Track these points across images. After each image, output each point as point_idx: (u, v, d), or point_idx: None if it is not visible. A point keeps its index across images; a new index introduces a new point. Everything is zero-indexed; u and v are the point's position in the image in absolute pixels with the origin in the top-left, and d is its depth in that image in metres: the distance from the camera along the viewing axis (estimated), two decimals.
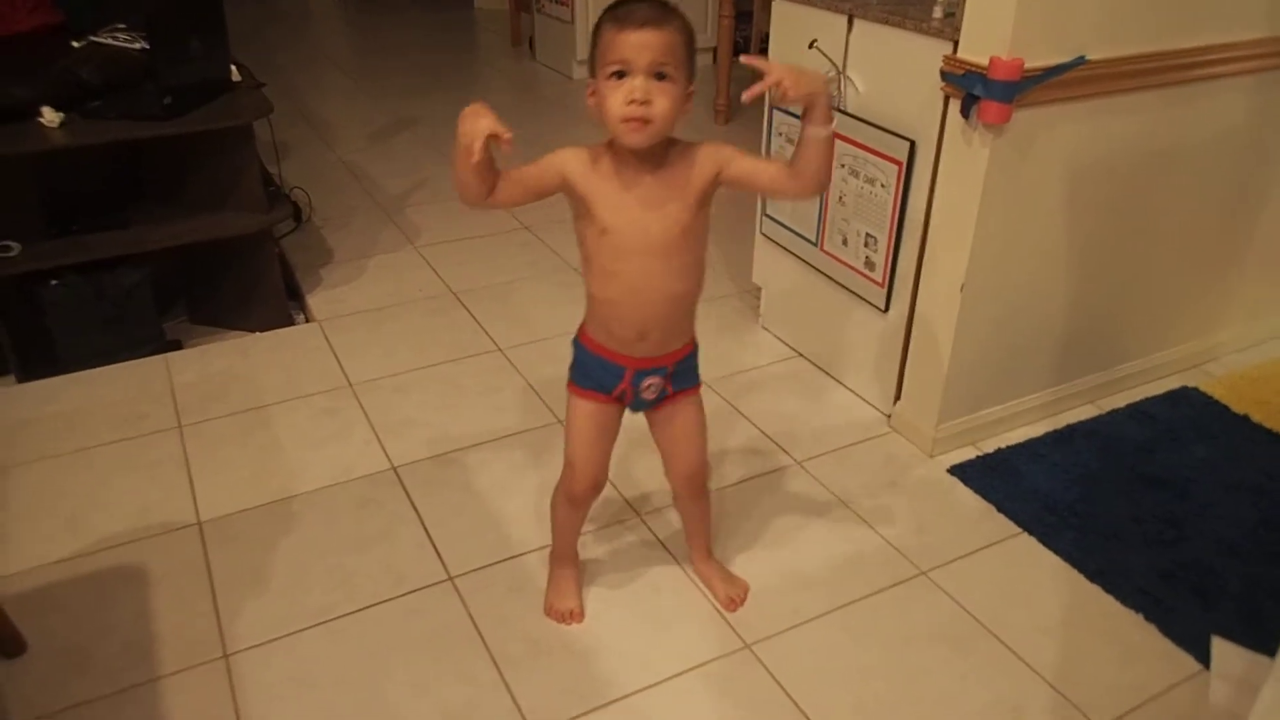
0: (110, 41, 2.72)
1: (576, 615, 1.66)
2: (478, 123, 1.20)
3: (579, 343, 1.48)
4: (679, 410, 1.52)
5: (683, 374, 1.49)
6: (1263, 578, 1.75)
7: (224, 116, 2.41)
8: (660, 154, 1.31)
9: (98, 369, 2.36)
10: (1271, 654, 1.11)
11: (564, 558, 1.68)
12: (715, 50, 4.55)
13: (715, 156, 1.34)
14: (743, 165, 1.35)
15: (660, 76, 1.22)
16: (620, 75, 1.22)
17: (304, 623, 1.65)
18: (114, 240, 2.37)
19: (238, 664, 1.57)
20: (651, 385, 1.45)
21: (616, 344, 1.42)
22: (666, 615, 1.68)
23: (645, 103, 1.22)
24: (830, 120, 1.27)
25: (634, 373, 1.44)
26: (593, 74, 1.28)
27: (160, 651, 1.59)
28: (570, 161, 1.32)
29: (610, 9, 1.25)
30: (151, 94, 2.32)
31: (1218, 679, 1.54)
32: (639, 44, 1.21)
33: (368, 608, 1.68)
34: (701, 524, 1.70)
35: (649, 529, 1.87)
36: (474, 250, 3.03)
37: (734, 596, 1.69)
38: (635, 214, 1.32)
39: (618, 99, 1.22)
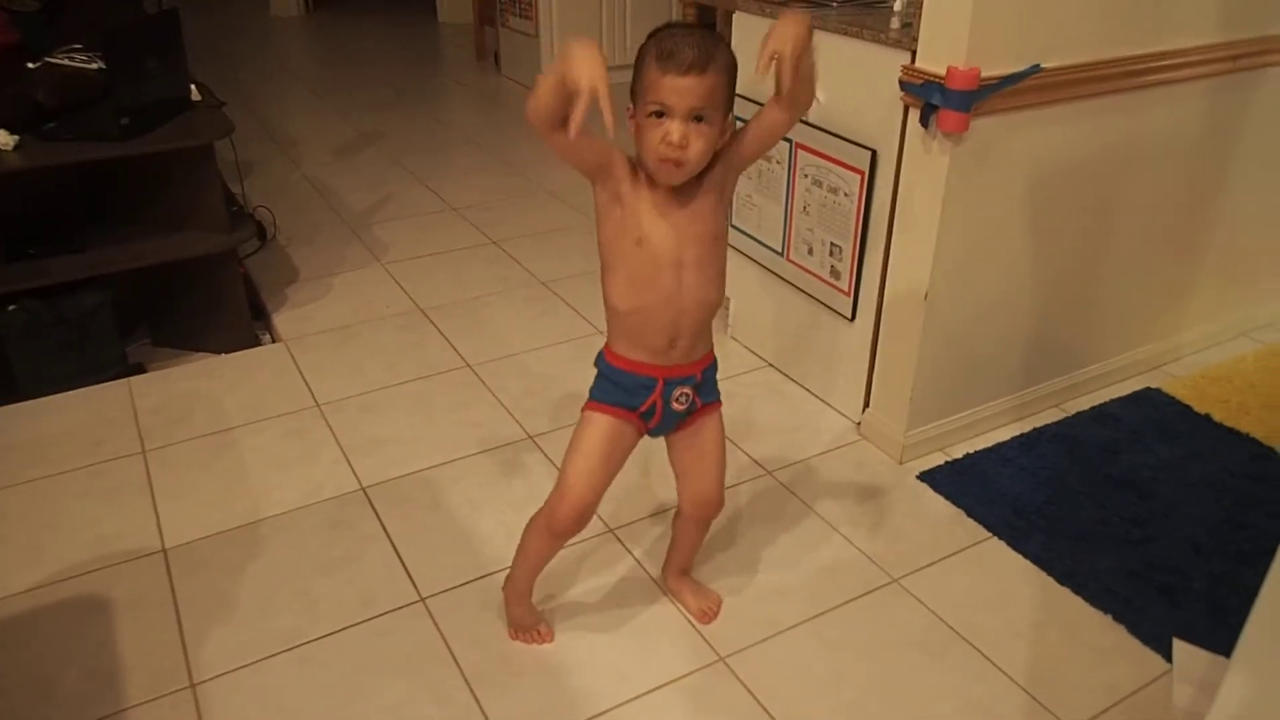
0: (66, 62, 2.68)
1: (546, 634, 1.64)
2: (596, 71, 1.13)
3: (605, 362, 1.45)
4: (704, 427, 1.50)
5: (708, 384, 1.48)
6: (1226, 575, 1.77)
7: (183, 136, 2.38)
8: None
9: (58, 395, 2.32)
10: (1232, 653, 1.13)
11: (523, 594, 1.61)
12: None
13: (723, 154, 1.34)
14: (744, 140, 1.34)
15: (699, 119, 1.23)
16: (659, 114, 1.23)
17: (273, 649, 1.62)
18: (73, 263, 2.33)
19: (205, 693, 1.55)
20: (683, 395, 1.44)
21: (646, 354, 1.40)
22: (640, 630, 1.67)
23: (681, 146, 1.23)
24: (813, 46, 1.25)
25: (664, 383, 1.42)
26: (634, 98, 1.27)
27: (126, 681, 1.56)
28: (620, 161, 1.31)
29: (658, 40, 1.23)
30: (108, 115, 2.29)
31: (1179, 681, 1.56)
32: (681, 90, 1.21)
33: (337, 631, 1.66)
34: (691, 549, 1.69)
35: (621, 544, 1.86)
36: (442, 266, 3.02)
37: (706, 609, 1.69)
38: (670, 228, 1.32)
39: (655, 138, 1.24)
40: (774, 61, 1.21)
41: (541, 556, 1.57)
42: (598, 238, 1.37)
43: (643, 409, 1.44)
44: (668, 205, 1.32)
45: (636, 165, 1.32)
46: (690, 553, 1.69)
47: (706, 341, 1.46)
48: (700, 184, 1.33)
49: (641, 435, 1.48)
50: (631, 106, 1.28)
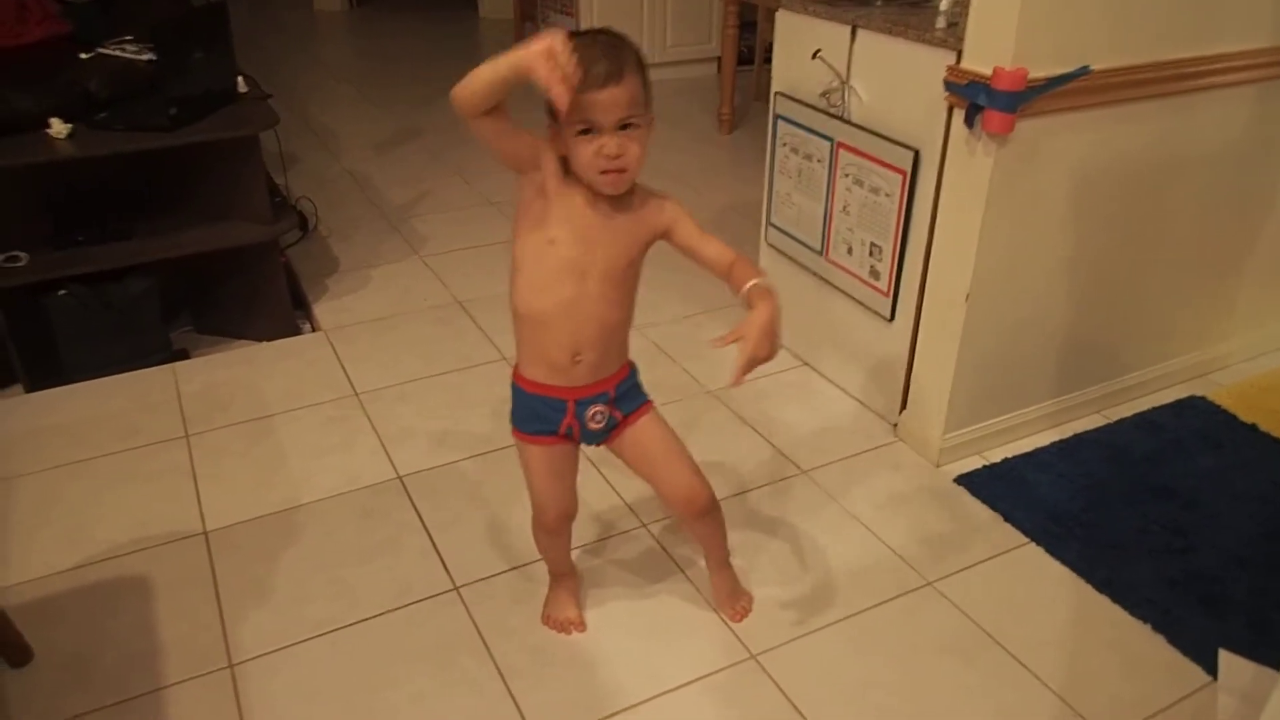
0: (118, 53, 2.74)
1: (576, 624, 1.65)
2: (559, 60, 1.10)
3: (516, 386, 1.44)
4: (639, 433, 1.47)
5: (626, 396, 1.45)
6: (1270, 588, 1.74)
7: (230, 127, 2.42)
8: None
9: (104, 379, 2.37)
10: (1278, 666, 1.11)
11: (558, 573, 1.68)
12: (719, 60, 4.56)
13: (672, 214, 1.36)
14: (689, 235, 1.36)
15: (627, 126, 1.22)
16: (587, 131, 1.21)
17: (308, 633, 1.65)
18: (120, 250, 2.38)
19: (242, 674, 1.57)
20: (597, 414, 1.42)
21: (552, 372, 1.38)
22: (672, 625, 1.68)
23: (619, 157, 1.22)
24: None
25: (575, 404, 1.40)
26: (553, 116, 1.23)
27: (164, 662, 1.59)
28: (552, 158, 1.28)
29: None
30: (158, 105, 2.33)
31: (1224, 693, 1.53)
32: (606, 104, 1.19)
33: (372, 618, 1.68)
34: (714, 541, 1.64)
35: (654, 538, 1.86)
36: (479, 259, 3.04)
37: (738, 609, 1.68)
38: (587, 233, 1.30)
39: (589, 153, 1.22)
40: (737, 342, 1.25)
41: (553, 548, 1.63)
42: (513, 230, 1.35)
43: (560, 431, 1.43)
44: (591, 213, 1.30)
45: (565, 164, 1.28)
46: (715, 546, 1.65)
47: (619, 357, 1.44)
48: (630, 209, 1.32)
49: (577, 444, 1.47)
50: (552, 123, 1.25)
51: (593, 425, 1.43)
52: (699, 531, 1.62)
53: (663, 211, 1.35)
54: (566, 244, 1.30)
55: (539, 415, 1.42)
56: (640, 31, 4.82)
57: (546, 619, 1.67)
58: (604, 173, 1.23)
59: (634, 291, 1.39)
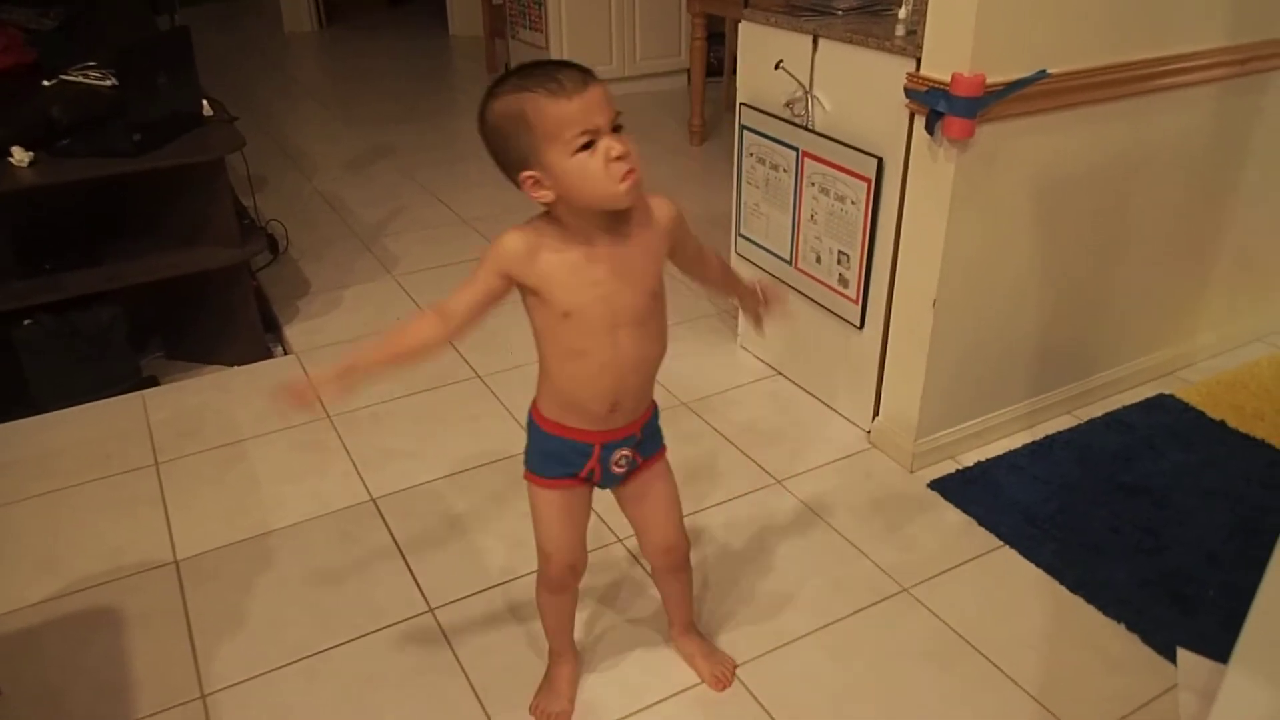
0: (80, 80, 2.72)
1: (565, 717, 1.52)
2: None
3: (536, 425, 1.35)
4: (650, 482, 1.41)
5: (649, 438, 1.39)
6: (1241, 584, 1.75)
7: (195, 151, 2.41)
8: (619, 213, 1.19)
9: (73, 408, 2.34)
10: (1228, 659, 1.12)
11: (560, 652, 1.55)
12: (689, 72, 4.58)
13: (670, 218, 1.27)
14: (690, 237, 1.32)
15: (618, 128, 1.14)
16: (588, 145, 1.11)
17: (282, 660, 1.63)
18: (87, 278, 2.36)
19: (215, 705, 1.55)
20: (623, 458, 1.35)
21: (584, 420, 1.30)
22: (649, 640, 1.67)
23: (629, 154, 1.12)
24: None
25: (601, 448, 1.32)
26: (523, 167, 1.15)
27: (136, 694, 1.57)
28: (510, 257, 1.20)
29: (529, 81, 1.11)
30: (121, 131, 2.31)
31: (1184, 690, 1.54)
32: (596, 104, 1.11)
33: (347, 643, 1.66)
34: (683, 600, 1.58)
35: (632, 555, 1.86)
36: (452, 277, 3.01)
37: (719, 675, 1.58)
38: (602, 289, 1.20)
39: (599, 165, 1.11)
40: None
41: (559, 613, 1.52)
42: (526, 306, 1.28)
43: (582, 474, 1.35)
44: (597, 260, 1.20)
45: (537, 233, 1.20)
46: (684, 604, 1.59)
47: (649, 396, 1.37)
48: (630, 228, 1.21)
49: (594, 486, 1.40)
50: (533, 174, 1.15)
51: (616, 469, 1.36)
52: (671, 585, 1.56)
53: (665, 215, 1.26)
54: (583, 311, 1.21)
55: (561, 459, 1.34)
56: (609, 45, 4.84)
57: (535, 708, 1.53)
58: (625, 178, 1.12)
59: (665, 315, 1.30)
